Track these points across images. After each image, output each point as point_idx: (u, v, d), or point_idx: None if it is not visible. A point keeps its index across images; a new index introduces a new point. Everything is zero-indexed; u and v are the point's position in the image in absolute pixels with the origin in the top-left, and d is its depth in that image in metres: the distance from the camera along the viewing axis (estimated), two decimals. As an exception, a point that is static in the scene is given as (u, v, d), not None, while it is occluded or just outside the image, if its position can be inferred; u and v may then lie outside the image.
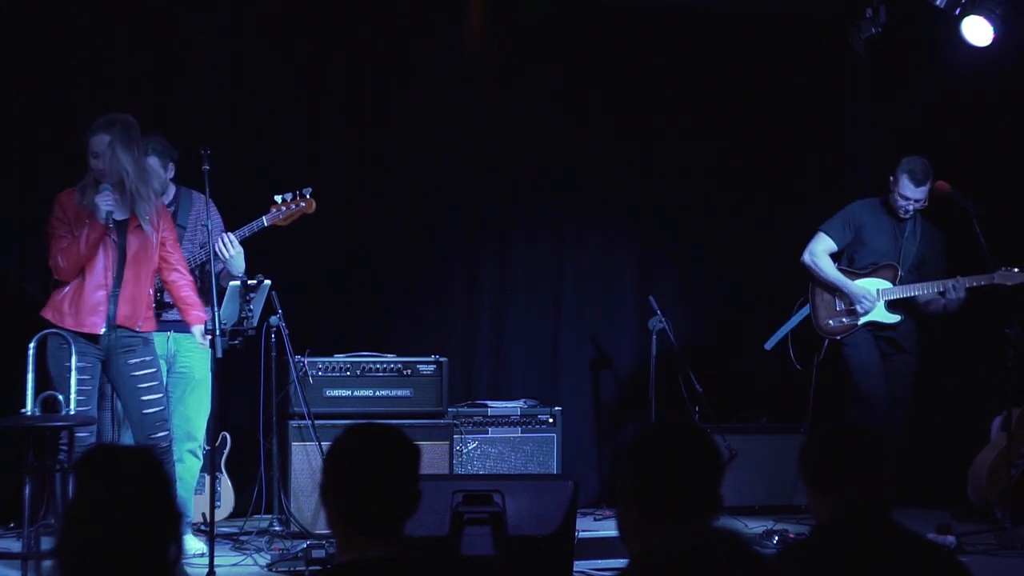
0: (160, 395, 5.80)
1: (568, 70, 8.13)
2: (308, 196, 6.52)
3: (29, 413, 5.47)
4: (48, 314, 5.70)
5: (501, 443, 7.25)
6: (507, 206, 8.06)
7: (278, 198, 6.48)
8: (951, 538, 6.34)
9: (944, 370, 7.91)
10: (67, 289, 5.68)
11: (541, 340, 8.07)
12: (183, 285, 5.93)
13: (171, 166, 6.34)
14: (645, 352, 7.58)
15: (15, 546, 5.77)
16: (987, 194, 7.16)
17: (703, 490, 2.56)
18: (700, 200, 8.31)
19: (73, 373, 5.52)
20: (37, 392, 5.51)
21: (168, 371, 6.27)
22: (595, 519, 7.39)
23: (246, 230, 6.40)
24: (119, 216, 5.69)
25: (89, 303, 5.64)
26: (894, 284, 6.84)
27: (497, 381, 7.93)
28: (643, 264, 8.26)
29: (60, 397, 5.53)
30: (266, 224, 6.45)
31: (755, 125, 8.34)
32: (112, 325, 5.66)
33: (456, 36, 7.89)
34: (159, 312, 6.09)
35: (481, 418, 7.25)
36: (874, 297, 6.82)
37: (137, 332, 5.73)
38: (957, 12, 7.10)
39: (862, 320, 6.85)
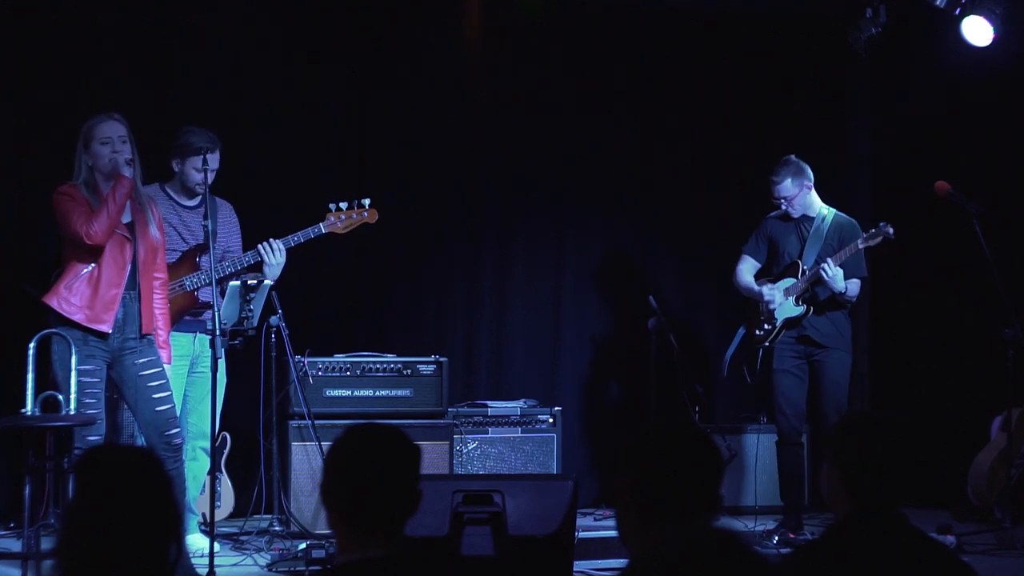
0: (169, 393, 5.75)
1: (567, 70, 8.14)
2: (368, 207, 6.51)
3: (29, 413, 5.46)
4: (54, 303, 5.56)
5: (501, 443, 7.25)
6: (507, 206, 8.07)
7: (332, 206, 6.46)
8: (951, 538, 6.35)
9: (944, 369, 7.92)
10: (77, 282, 5.56)
11: (541, 340, 8.07)
12: (163, 308, 5.86)
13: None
14: (645, 352, 7.57)
15: (15, 546, 5.77)
16: (987, 194, 7.16)
17: (703, 490, 2.55)
18: (700, 200, 8.31)
19: (73, 373, 5.49)
20: (37, 392, 5.50)
21: (189, 371, 6.28)
22: (595, 519, 7.39)
23: (300, 236, 6.37)
24: (124, 217, 5.66)
25: (103, 300, 5.55)
26: (798, 279, 6.83)
27: (497, 381, 7.94)
28: (643, 264, 8.27)
29: (60, 397, 5.51)
30: (323, 231, 6.44)
31: (755, 125, 8.34)
32: (121, 328, 5.61)
33: (456, 34, 7.90)
34: (197, 312, 6.12)
35: (481, 418, 7.25)
36: (777, 288, 6.83)
37: (146, 334, 5.69)
38: (957, 12, 7.10)
39: (779, 320, 6.84)
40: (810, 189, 6.86)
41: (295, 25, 7.70)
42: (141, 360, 5.64)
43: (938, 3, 7.10)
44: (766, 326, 6.89)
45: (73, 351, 5.48)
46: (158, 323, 5.77)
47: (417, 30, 7.87)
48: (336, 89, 7.78)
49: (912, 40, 7.92)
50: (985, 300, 7.10)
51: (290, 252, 6.62)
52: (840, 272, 6.66)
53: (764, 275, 7.05)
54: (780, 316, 6.84)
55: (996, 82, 7.71)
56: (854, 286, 6.75)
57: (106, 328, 5.56)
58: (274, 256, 6.26)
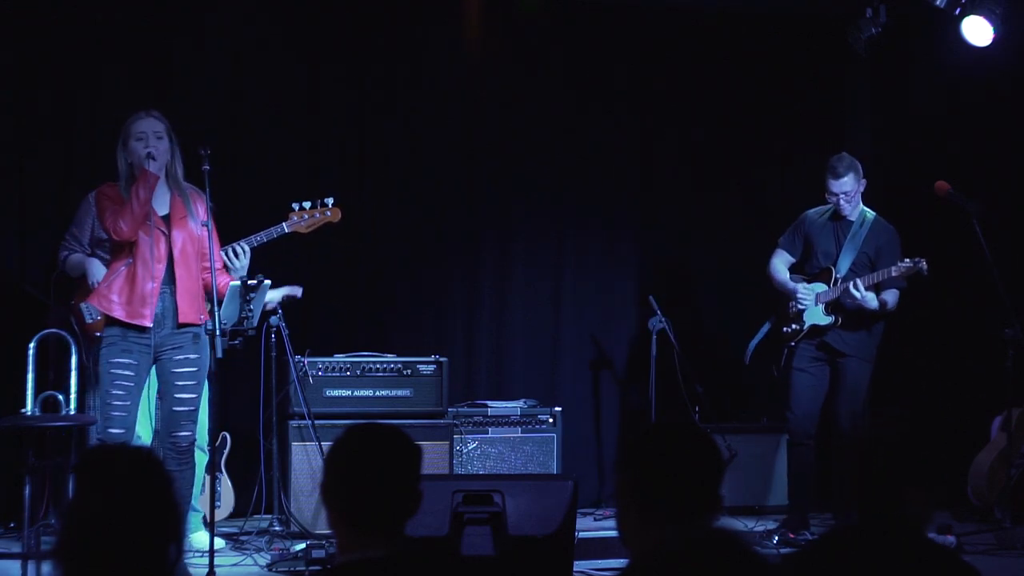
0: (194, 395, 5.72)
1: (568, 70, 8.14)
2: (332, 205, 6.48)
3: (29, 413, 5.47)
4: (95, 301, 5.61)
5: (501, 443, 7.25)
6: (507, 206, 8.07)
7: (295, 205, 6.41)
8: (951, 538, 6.35)
9: (944, 369, 7.92)
10: (117, 279, 5.59)
11: (541, 340, 8.07)
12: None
13: None
14: (645, 352, 7.58)
15: (15, 546, 5.78)
16: (987, 194, 7.16)
17: (703, 490, 2.55)
18: (700, 199, 8.31)
19: (73, 372, 5.49)
20: (37, 392, 5.51)
21: None
22: (595, 519, 7.39)
23: (264, 236, 6.31)
24: (161, 211, 5.65)
25: (139, 294, 5.56)
26: (830, 287, 6.80)
27: (497, 381, 7.94)
28: (643, 264, 8.27)
29: (60, 397, 5.52)
30: (286, 230, 6.37)
31: (755, 125, 8.35)
32: (161, 322, 5.61)
33: (456, 34, 7.90)
34: None
35: (481, 418, 7.25)
36: (810, 291, 6.80)
37: (189, 328, 5.67)
38: (957, 12, 7.10)
39: (806, 324, 6.82)
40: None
41: (295, 25, 7.70)
42: (179, 356, 5.65)
43: (938, 3, 7.10)
44: (794, 325, 6.86)
45: (73, 351, 5.49)
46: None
47: (417, 30, 7.87)
48: (336, 89, 7.78)
49: (912, 40, 7.92)
50: (985, 300, 7.10)
51: (290, 252, 6.63)
52: (870, 295, 6.60)
53: (796, 271, 6.99)
54: (808, 320, 6.79)
55: (996, 82, 7.71)
56: (892, 297, 6.69)
57: (146, 323, 5.57)
58: (238, 260, 6.25)
